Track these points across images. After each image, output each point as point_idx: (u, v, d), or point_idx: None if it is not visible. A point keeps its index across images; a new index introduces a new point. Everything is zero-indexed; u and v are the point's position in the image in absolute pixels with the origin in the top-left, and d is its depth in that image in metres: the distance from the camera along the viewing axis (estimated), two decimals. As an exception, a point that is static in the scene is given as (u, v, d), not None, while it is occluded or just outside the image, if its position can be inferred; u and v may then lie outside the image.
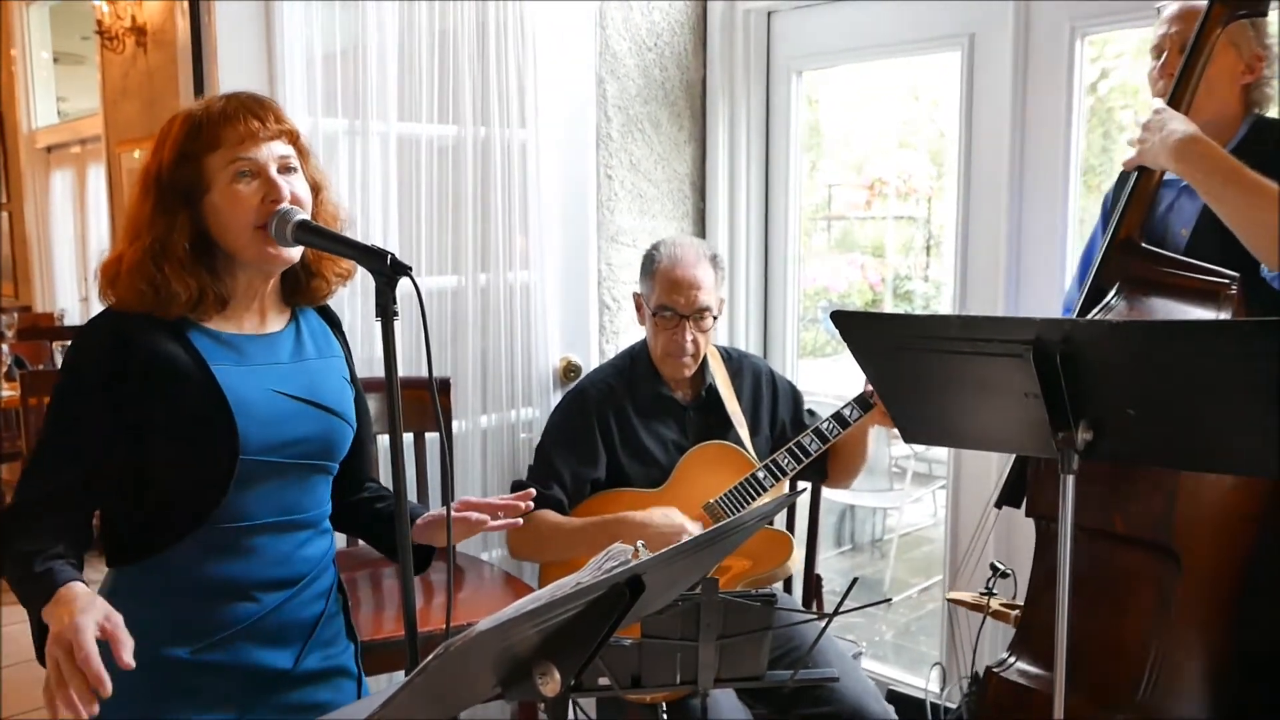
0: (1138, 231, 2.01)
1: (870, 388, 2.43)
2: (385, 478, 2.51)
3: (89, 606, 1.34)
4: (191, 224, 1.55)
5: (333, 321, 1.80)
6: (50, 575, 1.40)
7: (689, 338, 2.45)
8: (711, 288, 2.47)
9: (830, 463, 2.62)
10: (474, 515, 1.65)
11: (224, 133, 1.54)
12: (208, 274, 1.56)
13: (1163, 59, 2.04)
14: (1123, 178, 2.26)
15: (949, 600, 2.48)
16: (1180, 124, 1.85)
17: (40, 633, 1.38)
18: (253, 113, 1.56)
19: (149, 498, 1.55)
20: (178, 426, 1.52)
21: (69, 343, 1.64)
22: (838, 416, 2.46)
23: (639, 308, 2.57)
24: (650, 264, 2.50)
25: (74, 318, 7.06)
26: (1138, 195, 1.99)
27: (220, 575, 1.56)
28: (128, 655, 1.30)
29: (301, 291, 1.71)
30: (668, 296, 2.44)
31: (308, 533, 1.67)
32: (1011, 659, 2.05)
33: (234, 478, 1.53)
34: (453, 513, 1.67)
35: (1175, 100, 1.95)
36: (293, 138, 1.62)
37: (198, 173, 1.55)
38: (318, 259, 1.70)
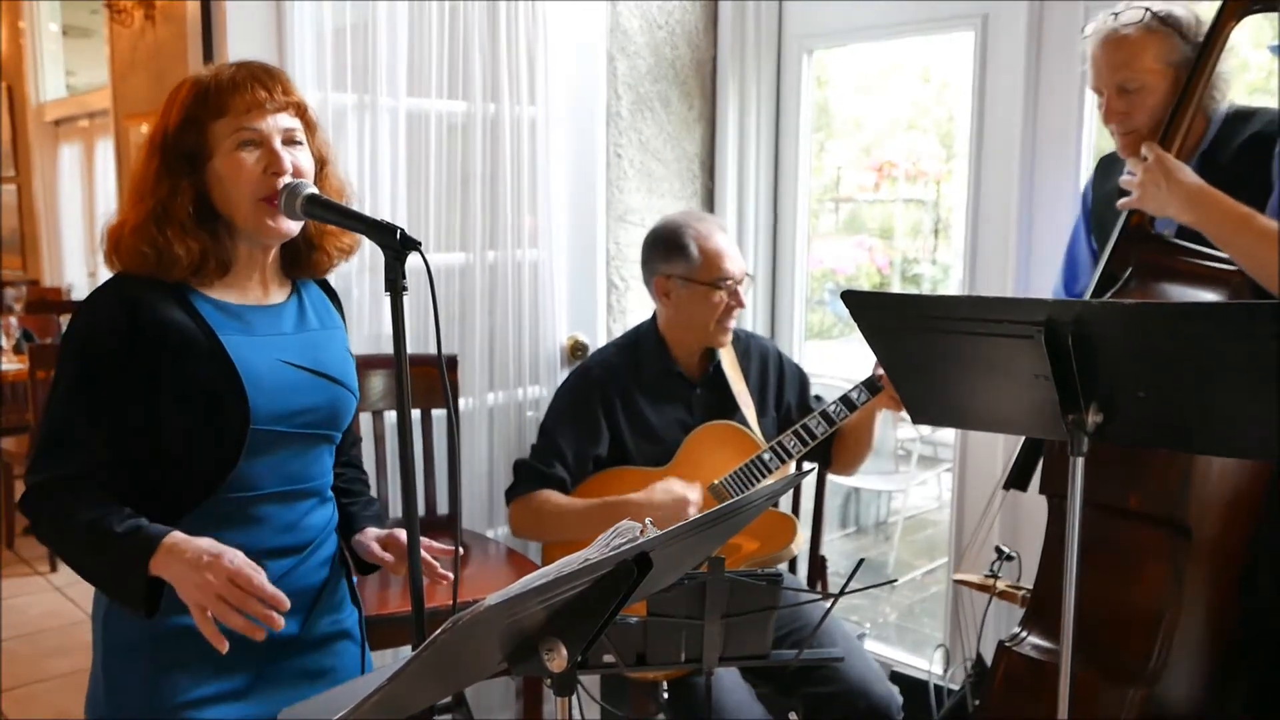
0: (1148, 219, 2.01)
1: (879, 371, 2.43)
2: (392, 454, 2.53)
3: (217, 545, 1.43)
4: (194, 189, 1.55)
5: (332, 295, 1.81)
6: (142, 530, 1.45)
7: (744, 300, 2.49)
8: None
9: (835, 449, 2.62)
10: (390, 557, 1.72)
11: (231, 100, 1.54)
12: (210, 239, 1.56)
13: (1105, 100, 2.03)
14: (1102, 171, 2.29)
15: (955, 581, 2.48)
16: (1187, 174, 1.87)
17: (146, 587, 1.44)
18: (261, 83, 1.56)
19: (160, 468, 1.55)
20: (188, 396, 1.52)
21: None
22: (845, 399, 2.45)
23: (665, 292, 2.51)
24: (680, 241, 2.46)
25: (81, 291, 7.07)
26: None
27: (229, 544, 1.56)
28: (266, 581, 1.41)
29: (302, 265, 1.71)
30: (721, 267, 2.45)
31: (312, 501, 1.68)
32: (1024, 634, 2.06)
33: (244, 447, 1.53)
34: (380, 553, 1.73)
35: (1183, 107, 1.95)
36: (300, 110, 1.62)
37: (202, 138, 1.55)
38: (320, 233, 1.70)
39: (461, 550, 1.75)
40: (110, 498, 1.50)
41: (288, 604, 1.40)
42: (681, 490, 2.30)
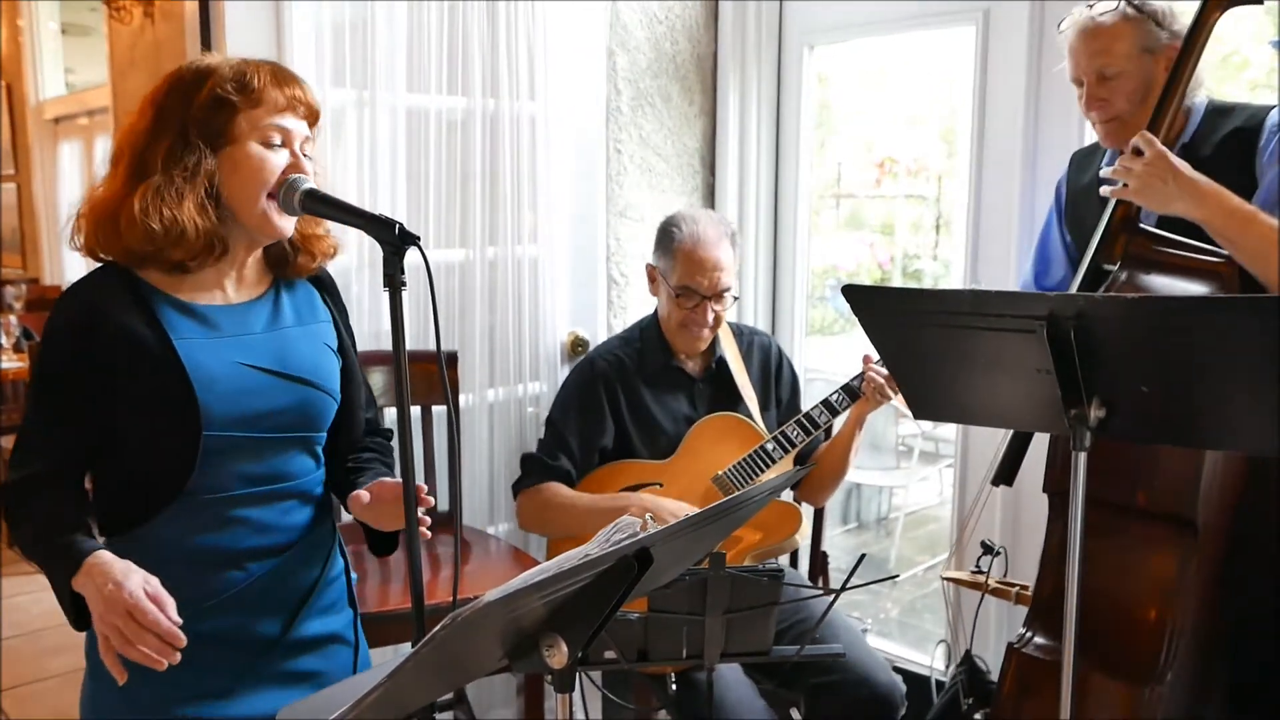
0: (1135, 210, 2.01)
1: (870, 367, 2.43)
2: (393, 451, 2.52)
3: (128, 572, 1.40)
4: (211, 169, 1.54)
5: (324, 285, 1.78)
6: (73, 547, 1.43)
7: (709, 317, 2.44)
8: (731, 267, 2.46)
9: (808, 476, 2.62)
10: (366, 496, 1.63)
11: (271, 94, 1.55)
12: (217, 221, 1.55)
13: (1085, 88, 2.07)
14: (1077, 165, 2.32)
15: (944, 579, 2.47)
16: (1190, 170, 1.86)
17: (73, 601, 1.43)
18: (299, 85, 1.59)
19: (124, 471, 1.56)
20: (142, 402, 1.52)
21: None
22: (846, 388, 2.45)
23: (652, 279, 2.55)
24: (669, 240, 2.47)
25: (81, 290, 7.03)
26: None
27: (205, 545, 1.56)
28: (173, 613, 1.38)
29: (287, 265, 1.70)
30: (690, 278, 2.42)
31: (292, 502, 1.65)
32: (1030, 634, 2.06)
33: (199, 453, 1.52)
34: (365, 498, 1.63)
35: (1169, 97, 1.95)
36: (315, 119, 1.63)
37: (229, 123, 1.54)
38: (304, 237, 1.69)
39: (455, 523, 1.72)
40: (73, 499, 1.51)
41: (183, 641, 1.37)
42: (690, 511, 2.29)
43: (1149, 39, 2.01)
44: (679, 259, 2.43)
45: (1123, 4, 2.01)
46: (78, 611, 1.44)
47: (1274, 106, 1.99)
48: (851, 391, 2.44)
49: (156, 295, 1.55)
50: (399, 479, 1.62)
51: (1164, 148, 1.89)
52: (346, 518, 1.80)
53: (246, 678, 1.60)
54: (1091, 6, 2.05)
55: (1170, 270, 1.95)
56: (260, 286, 1.67)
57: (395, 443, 1.81)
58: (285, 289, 1.70)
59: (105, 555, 1.42)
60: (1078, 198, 2.27)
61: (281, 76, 1.58)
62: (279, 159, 1.55)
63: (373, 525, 1.70)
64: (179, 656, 1.37)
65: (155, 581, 1.40)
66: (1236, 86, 3.69)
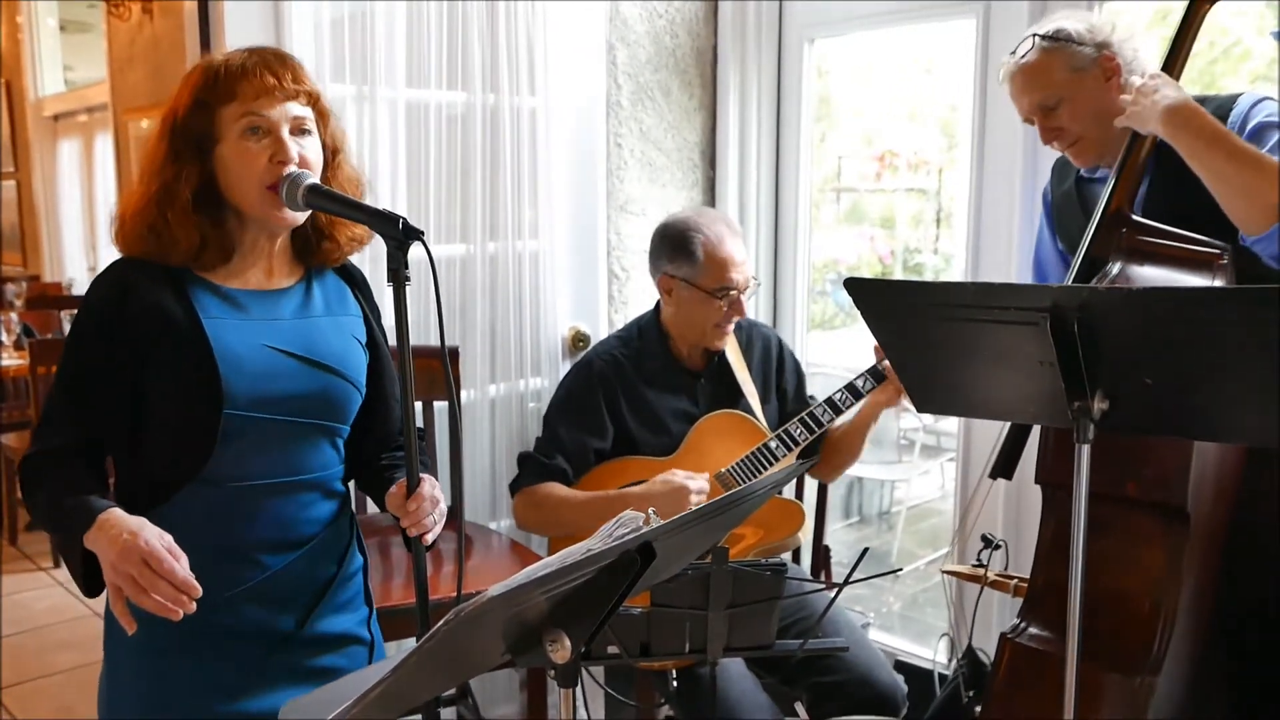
0: (1128, 204, 2.03)
1: (883, 360, 2.43)
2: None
3: (143, 524, 1.40)
4: (201, 174, 1.55)
5: (356, 281, 1.78)
6: (86, 504, 1.43)
7: (742, 309, 2.46)
8: (747, 258, 2.49)
9: (824, 451, 2.62)
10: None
11: (240, 86, 1.53)
12: (211, 225, 1.55)
13: (1036, 125, 2.14)
14: (1058, 173, 2.34)
15: (944, 573, 2.47)
16: (1172, 90, 1.90)
17: (84, 563, 1.43)
18: (271, 69, 1.55)
19: (146, 449, 1.55)
20: (166, 378, 1.52)
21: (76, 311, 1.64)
22: (850, 387, 2.45)
23: (668, 290, 2.50)
24: (688, 244, 2.43)
25: (82, 287, 7.04)
26: (1128, 168, 2.03)
27: (224, 536, 1.56)
28: (187, 566, 1.37)
29: (313, 253, 1.69)
30: (724, 277, 2.42)
31: (313, 494, 1.64)
32: (1024, 624, 2.06)
33: (220, 431, 1.51)
34: (398, 495, 1.63)
35: None
36: (312, 99, 1.61)
37: (211, 122, 1.54)
38: (330, 223, 1.68)
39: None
40: (89, 473, 1.50)
41: (199, 591, 1.36)
42: (681, 480, 2.29)
43: (1075, 59, 2.06)
44: (707, 262, 2.42)
45: (1036, 39, 2.08)
46: (89, 574, 1.43)
47: (1241, 94, 2.02)
48: (855, 390, 2.44)
49: (188, 276, 1.57)
50: (430, 476, 1.62)
51: (1158, 71, 1.93)
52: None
53: (261, 672, 1.60)
54: (1014, 53, 2.12)
55: (1163, 261, 1.95)
56: (292, 277, 1.68)
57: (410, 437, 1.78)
58: (317, 280, 1.70)
59: (119, 511, 1.42)
60: (1060, 204, 2.30)
61: (253, 65, 1.55)
62: (261, 149, 1.54)
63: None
64: (194, 606, 1.36)
65: (169, 537, 1.39)
66: (1238, 79, 3.69)
